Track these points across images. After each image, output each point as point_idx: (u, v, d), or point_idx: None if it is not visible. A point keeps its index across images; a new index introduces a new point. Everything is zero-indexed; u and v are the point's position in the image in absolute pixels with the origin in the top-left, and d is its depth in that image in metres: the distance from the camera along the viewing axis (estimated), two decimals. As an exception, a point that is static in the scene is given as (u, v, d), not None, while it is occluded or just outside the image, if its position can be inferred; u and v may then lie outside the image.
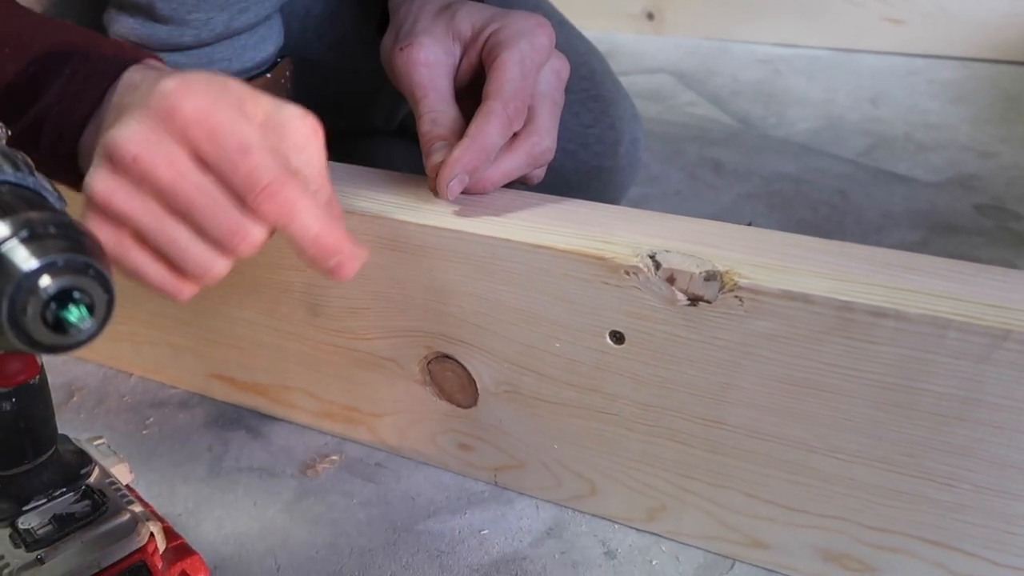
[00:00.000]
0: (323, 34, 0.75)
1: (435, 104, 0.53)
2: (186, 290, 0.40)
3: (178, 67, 0.60)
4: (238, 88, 0.39)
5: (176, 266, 0.39)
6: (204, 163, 0.37)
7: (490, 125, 0.50)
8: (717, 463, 0.48)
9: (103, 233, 0.38)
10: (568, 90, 0.74)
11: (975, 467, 0.42)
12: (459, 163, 0.49)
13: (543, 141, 0.53)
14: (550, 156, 0.54)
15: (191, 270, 0.39)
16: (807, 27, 1.58)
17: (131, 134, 0.37)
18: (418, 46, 0.54)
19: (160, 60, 0.47)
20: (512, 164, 0.52)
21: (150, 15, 0.57)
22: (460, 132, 0.51)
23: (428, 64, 0.54)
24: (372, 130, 0.82)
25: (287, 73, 0.68)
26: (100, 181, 0.37)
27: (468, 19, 0.55)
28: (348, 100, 0.78)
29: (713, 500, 0.49)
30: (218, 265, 0.39)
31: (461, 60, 0.56)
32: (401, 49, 0.54)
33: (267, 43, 0.63)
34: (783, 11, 1.58)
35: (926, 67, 1.47)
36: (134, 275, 0.40)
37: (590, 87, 0.75)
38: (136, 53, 0.46)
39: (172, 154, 0.37)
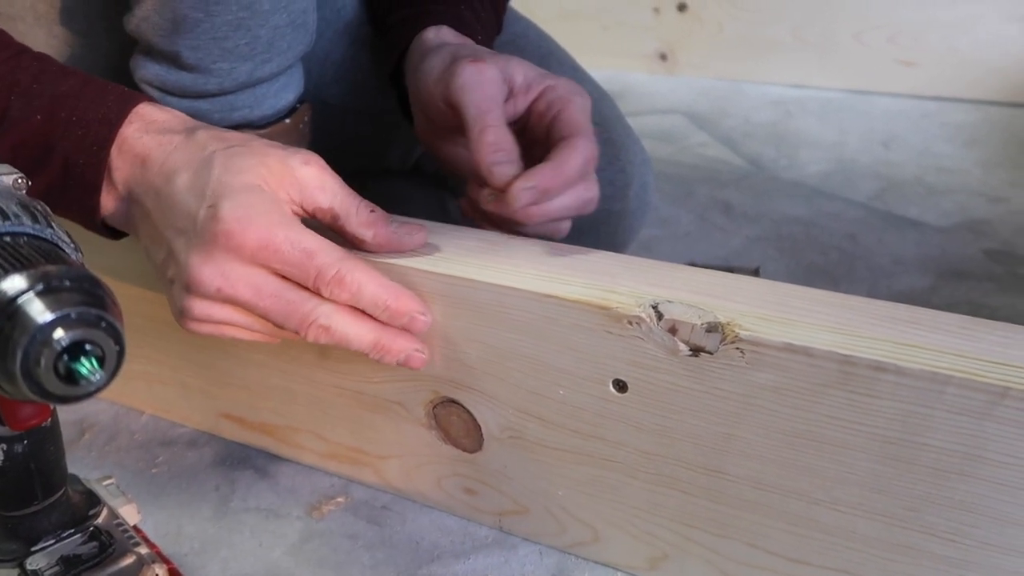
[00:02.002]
0: (341, 78, 0.76)
1: (500, 120, 0.54)
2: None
3: (200, 113, 0.62)
4: (272, 184, 0.47)
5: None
6: (275, 272, 0.46)
7: (574, 159, 0.52)
8: (719, 513, 0.48)
9: (204, 330, 0.48)
10: None
11: (978, 523, 0.42)
12: (537, 177, 0.50)
13: (592, 189, 0.55)
14: (592, 207, 0.55)
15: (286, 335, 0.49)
16: (820, 69, 1.59)
17: (209, 272, 0.45)
18: (491, 64, 0.55)
19: (150, 100, 0.51)
20: (564, 203, 0.53)
21: (175, 63, 0.59)
22: (516, 156, 0.53)
23: (495, 83, 0.55)
24: (387, 170, 0.84)
25: (305, 118, 0.69)
26: (196, 306, 0.47)
27: (521, 69, 0.57)
28: (364, 141, 0.79)
29: (715, 550, 0.49)
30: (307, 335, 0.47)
31: (506, 101, 0.57)
32: (472, 62, 0.55)
33: (288, 91, 0.65)
34: (796, 52, 1.60)
35: (938, 110, 1.48)
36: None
37: (601, 131, 0.75)
38: (122, 100, 0.50)
39: (246, 277, 0.45)
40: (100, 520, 0.45)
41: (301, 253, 0.45)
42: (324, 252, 0.46)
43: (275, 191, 0.47)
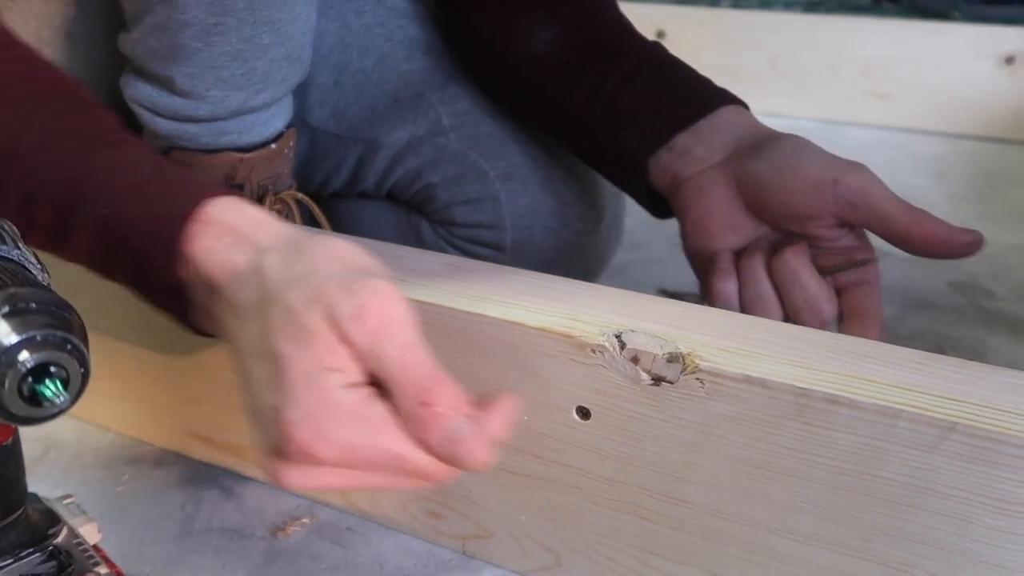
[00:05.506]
0: (324, 101, 0.77)
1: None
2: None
3: (188, 135, 0.62)
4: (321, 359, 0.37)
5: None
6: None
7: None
8: (679, 540, 0.49)
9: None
10: (551, 167, 0.76)
11: (927, 554, 0.42)
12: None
13: None
14: None
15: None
16: (794, 98, 1.62)
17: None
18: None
19: (229, 193, 0.44)
20: None
21: (168, 87, 0.59)
22: None
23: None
24: (361, 193, 0.85)
25: (291, 143, 0.70)
26: (296, 478, 0.38)
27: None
28: (342, 165, 0.80)
29: (675, 577, 0.50)
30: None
31: None
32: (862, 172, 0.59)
33: (278, 120, 0.66)
34: (772, 82, 1.62)
35: (909, 141, 1.50)
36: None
37: (573, 165, 0.77)
38: (191, 198, 0.43)
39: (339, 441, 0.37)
40: (60, 539, 0.45)
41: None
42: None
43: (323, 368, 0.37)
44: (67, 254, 0.49)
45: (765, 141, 0.58)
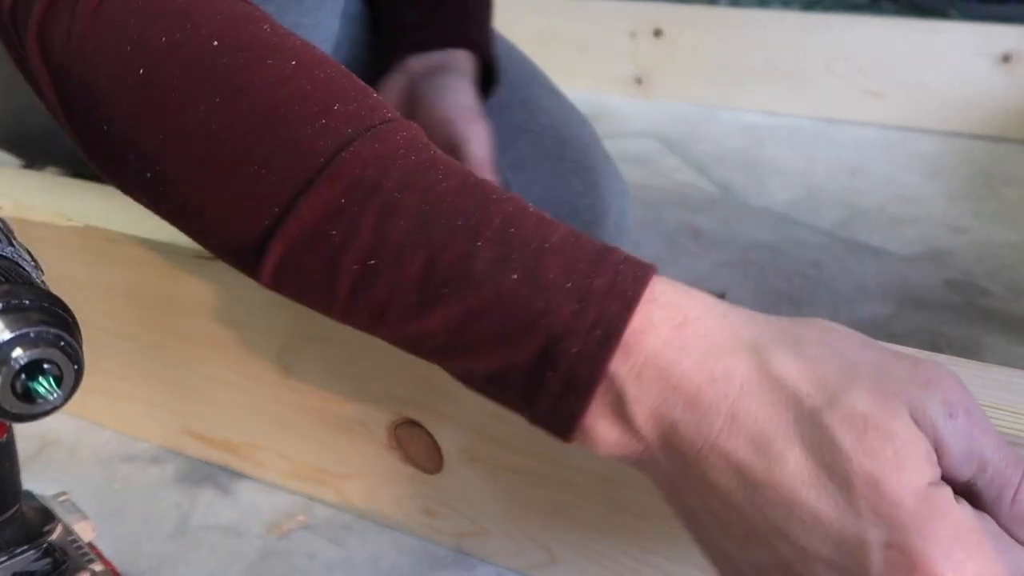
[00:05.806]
0: None
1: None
2: None
3: None
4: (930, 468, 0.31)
5: None
6: None
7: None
8: (675, 537, 0.49)
9: None
10: (561, 159, 0.77)
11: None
12: None
13: None
14: None
15: None
16: (791, 96, 1.62)
17: None
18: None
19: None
20: None
21: None
22: None
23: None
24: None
25: None
26: None
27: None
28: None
29: (670, 574, 0.50)
30: None
31: None
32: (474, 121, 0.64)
33: None
34: (769, 80, 1.62)
35: (905, 140, 1.51)
36: None
37: (583, 159, 0.78)
38: (635, 270, 0.34)
39: None
40: (54, 536, 0.45)
41: None
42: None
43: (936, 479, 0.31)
44: (402, 330, 0.37)
45: (445, 70, 0.68)
